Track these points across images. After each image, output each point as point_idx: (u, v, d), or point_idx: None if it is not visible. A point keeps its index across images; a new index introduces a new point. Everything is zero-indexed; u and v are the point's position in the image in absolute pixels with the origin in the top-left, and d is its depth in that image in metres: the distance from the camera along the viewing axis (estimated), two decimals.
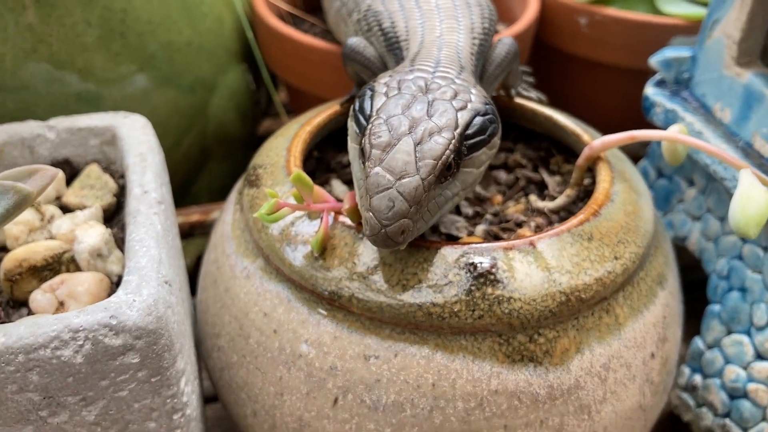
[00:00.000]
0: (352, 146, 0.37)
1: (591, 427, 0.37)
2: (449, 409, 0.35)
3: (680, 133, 0.41)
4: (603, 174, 0.41)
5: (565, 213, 0.42)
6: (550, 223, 0.42)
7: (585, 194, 0.43)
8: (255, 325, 0.38)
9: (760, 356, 0.45)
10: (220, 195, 0.63)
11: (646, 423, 0.40)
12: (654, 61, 0.51)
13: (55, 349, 0.32)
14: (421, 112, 0.35)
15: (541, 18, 0.63)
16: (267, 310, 0.38)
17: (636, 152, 0.60)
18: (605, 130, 0.44)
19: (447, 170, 0.34)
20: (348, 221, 0.37)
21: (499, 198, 0.44)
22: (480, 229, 0.41)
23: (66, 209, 0.42)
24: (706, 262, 0.49)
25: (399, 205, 0.32)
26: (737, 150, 0.45)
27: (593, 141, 0.42)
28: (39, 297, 0.37)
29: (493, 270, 0.35)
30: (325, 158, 0.47)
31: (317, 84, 0.59)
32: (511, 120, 0.48)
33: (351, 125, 0.37)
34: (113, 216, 0.42)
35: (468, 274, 0.35)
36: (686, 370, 0.49)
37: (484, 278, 0.35)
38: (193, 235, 0.58)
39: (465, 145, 0.35)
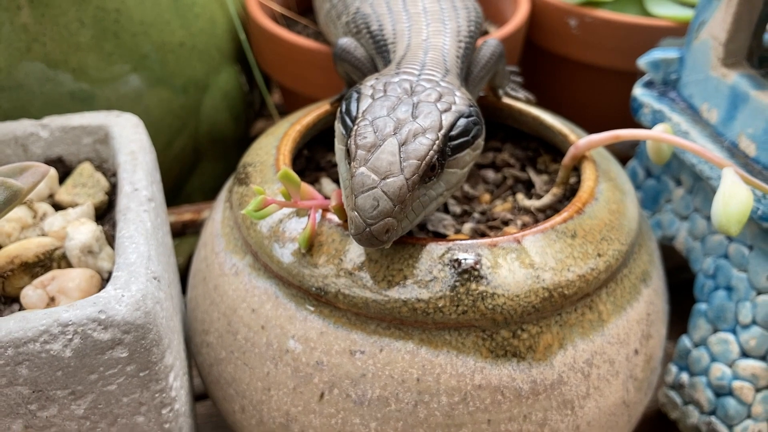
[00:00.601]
0: (338, 147, 0.38)
1: (574, 422, 0.37)
2: (433, 403, 0.35)
3: (664, 133, 0.42)
4: (588, 173, 0.41)
5: (552, 211, 0.43)
6: (537, 222, 0.42)
7: (571, 193, 0.43)
8: (243, 321, 0.38)
9: (745, 354, 0.45)
10: (212, 195, 0.63)
11: (629, 419, 0.40)
12: (642, 62, 0.52)
13: (45, 343, 0.32)
14: (406, 114, 0.35)
15: (532, 20, 0.63)
16: (255, 307, 0.38)
17: (626, 153, 0.60)
18: (595, 130, 0.45)
19: (431, 170, 0.35)
20: (335, 218, 0.38)
21: (486, 197, 0.45)
22: (467, 227, 0.42)
23: (58, 207, 0.43)
24: (693, 261, 0.49)
25: (383, 205, 0.33)
26: (723, 150, 0.46)
27: (579, 140, 0.42)
28: (30, 293, 0.37)
29: (477, 266, 0.35)
30: (315, 157, 0.47)
31: (310, 85, 0.60)
32: (499, 120, 0.48)
33: (338, 127, 0.38)
34: (105, 214, 0.43)
35: (452, 270, 0.35)
36: (673, 369, 0.49)
37: (468, 274, 0.35)
38: (186, 234, 0.59)
39: (449, 146, 0.36)
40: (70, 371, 0.33)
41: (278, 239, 0.38)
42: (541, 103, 0.50)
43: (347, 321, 0.36)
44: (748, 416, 0.45)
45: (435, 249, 0.36)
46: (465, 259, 0.35)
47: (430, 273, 0.35)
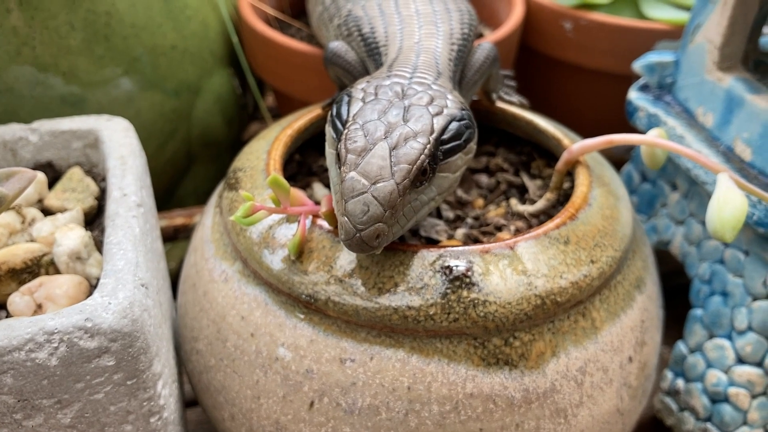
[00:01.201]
0: (329, 151, 0.37)
1: (567, 431, 0.37)
2: (424, 412, 0.35)
3: (659, 137, 0.41)
4: (581, 178, 0.41)
5: (545, 217, 0.43)
6: (530, 227, 0.42)
7: (565, 198, 0.43)
8: (232, 328, 0.38)
9: (741, 360, 0.45)
10: (205, 199, 0.63)
11: (624, 427, 0.40)
12: (637, 65, 0.51)
13: (30, 352, 0.32)
14: (397, 118, 0.35)
15: (527, 23, 0.63)
16: (244, 314, 0.38)
17: (621, 157, 0.60)
18: (590, 134, 0.44)
19: (422, 175, 0.34)
20: (326, 225, 0.37)
21: (480, 202, 0.44)
22: (460, 232, 0.41)
23: (48, 212, 0.42)
24: (688, 266, 0.49)
25: (374, 210, 0.32)
26: (718, 154, 0.45)
27: (572, 145, 0.42)
28: (17, 299, 0.37)
29: (469, 273, 0.35)
30: (307, 161, 0.47)
31: (303, 88, 0.60)
32: (493, 124, 0.48)
33: (328, 130, 0.37)
34: (95, 219, 0.43)
35: (443, 278, 0.35)
36: (669, 375, 0.49)
37: (460, 281, 0.35)
38: (177, 239, 0.58)
39: (440, 150, 0.35)
40: (56, 380, 0.33)
41: (268, 246, 0.38)
42: (535, 107, 0.49)
43: (337, 329, 0.36)
44: (744, 423, 0.45)
45: (426, 256, 0.35)
46: (456, 266, 0.35)
47: (421, 280, 0.35)
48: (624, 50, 0.60)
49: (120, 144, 0.43)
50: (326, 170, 0.46)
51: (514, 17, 0.60)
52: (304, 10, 0.64)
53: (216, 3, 0.61)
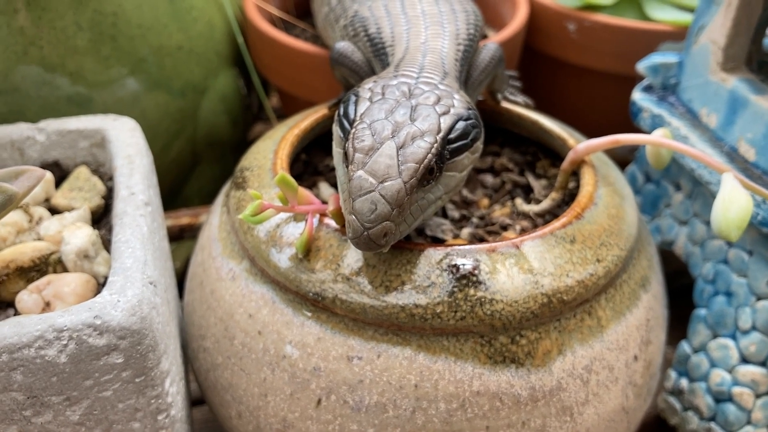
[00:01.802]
0: (336, 150, 0.37)
1: (573, 429, 0.37)
2: (431, 410, 0.35)
3: (664, 137, 0.41)
4: (587, 177, 0.41)
5: (550, 216, 0.43)
6: (536, 227, 0.42)
7: (570, 198, 0.43)
8: (240, 326, 0.38)
9: (745, 360, 0.45)
10: (210, 199, 0.63)
11: (629, 425, 0.40)
12: (641, 66, 0.52)
13: (39, 349, 0.32)
14: (404, 117, 0.35)
15: (531, 24, 0.63)
16: (252, 312, 0.38)
17: (625, 157, 0.60)
18: (595, 135, 0.44)
19: (429, 174, 0.34)
20: (333, 223, 0.37)
21: (485, 201, 0.44)
22: (466, 232, 0.41)
23: (55, 211, 0.43)
24: (692, 266, 0.49)
25: (381, 208, 0.33)
26: (722, 155, 0.46)
27: (578, 145, 0.42)
28: (25, 297, 0.37)
29: (476, 272, 0.35)
30: (313, 161, 0.47)
31: (308, 89, 0.60)
32: (498, 124, 0.48)
33: (335, 130, 0.38)
34: (101, 218, 0.43)
35: (450, 276, 0.35)
36: (673, 374, 0.49)
37: (467, 280, 0.35)
38: (183, 238, 0.59)
39: (447, 149, 0.35)
40: (65, 377, 0.33)
41: (275, 244, 0.38)
42: (539, 108, 0.50)
43: (345, 326, 0.36)
44: (748, 422, 0.45)
45: (433, 254, 0.36)
46: (463, 265, 0.35)
47: (428, 278, 0.35)
48: (628, 51, 0.60)
49: (127, 143, 0.44)
50: (332, 170, 0.46)
51: (519, 18, 0.60)
52: (309, 11, 0.64)
53: (221, 4, 0.62)
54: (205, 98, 0.60)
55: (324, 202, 0.38)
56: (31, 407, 0.33)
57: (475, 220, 0.43)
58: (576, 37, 0.61)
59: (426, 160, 0.34)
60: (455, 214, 0.43)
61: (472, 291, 0.35)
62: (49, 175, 0.43)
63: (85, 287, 0.37)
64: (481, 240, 0.41)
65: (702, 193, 0.48)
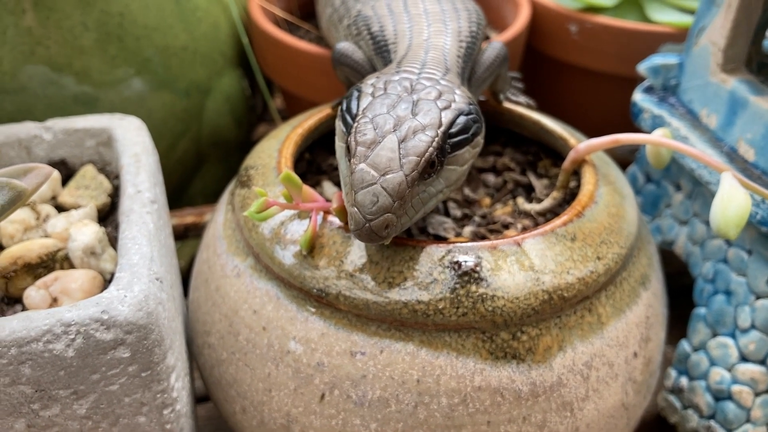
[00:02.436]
0: (339, 145, 0.38)
1: (573, 424, 0.37)
2: (433, 404, 0.35)
3: (664, 137, 0.42)
4: (588, 176, 0.41)
5: (552, 215, 0.43)
6: (537, 225, 0.43)
7: (571, 197, 0.44)
8: (244, 322, 0.39)
9: (744, 358, 0.45)
10: (214, 198, 0.63)
11: (628, 422, 0.40)
12: (642, 67, 0.52)
13: (47, 343, 0.33)
14: (405, 111, 0.36)
15: (533, 25, 0.64)
16: (256, 308, 0.38)
17: (626, 158, 0.61)
18: (595, 135, 0.45)
19: (430, 167, 0.35)
20: (336, 221, 0.38)
21: (487, 200, 0.45)
22: (467, 230, 0.42)
23: (61, 209, 0.43)
24: (692, 265, 0.50)
25: (383, 200, 0.33)
26: (722, 155, 0.46)
27: (579, 144, 0.42)
28: (33, 293, 0.37)
29: (477, 268, 0.35)
30: (317, 160, 0.48)
31: (312, 89, 0.60)
32: (500, 124, 0.49)
33: (338, 124, 0.38)
34: (108, 216, 0.43)
35: (452, 273, 0.35)
36: (673, 373, 0.49)
37: (469, 276, 0.35)
38: (188, 237, 0.59)
39: (448, 143, 0.36)
40: (73, 371, 0.33)
41: (280, 241, 0.38)
42: (541, 108, 0.50)
43: (348, 322, 0.36)
44: (747, 420, 0.45)
45: (435, 251, 0.36)
46: (465, 262, 0.35)
47: (430, 275, 0.35)
48: (629, 53, 0.60)
49: (133, 142, 0.44)
50: (335, 169, 0.47)
51: (521, 20, 0.61)
52: (313, 12, 0.65)
53: (226, 5, 0.62)
54: (209, 98, 0.61)
55: (328, 200, 0.39)
56: (38, 400, 0.34)
57: (477, 218, 0.43)
58: (577, 39, 0.62)
59: (427, 153, 0.34)
60: (457, 212, 0.44)
61: (473, 287, 0.35)
62: (56, 173, 0.43)
63: (92, 283, 0.38)
64: (483, 238, 0.41)
65: (702, 193, 0.49)
